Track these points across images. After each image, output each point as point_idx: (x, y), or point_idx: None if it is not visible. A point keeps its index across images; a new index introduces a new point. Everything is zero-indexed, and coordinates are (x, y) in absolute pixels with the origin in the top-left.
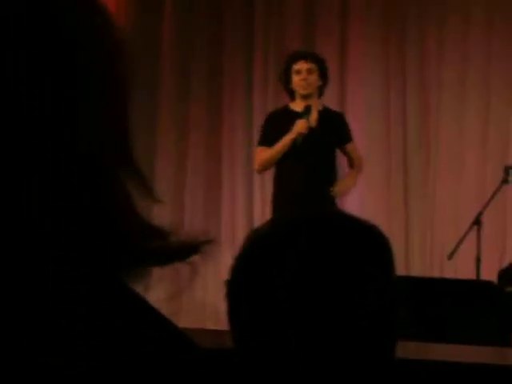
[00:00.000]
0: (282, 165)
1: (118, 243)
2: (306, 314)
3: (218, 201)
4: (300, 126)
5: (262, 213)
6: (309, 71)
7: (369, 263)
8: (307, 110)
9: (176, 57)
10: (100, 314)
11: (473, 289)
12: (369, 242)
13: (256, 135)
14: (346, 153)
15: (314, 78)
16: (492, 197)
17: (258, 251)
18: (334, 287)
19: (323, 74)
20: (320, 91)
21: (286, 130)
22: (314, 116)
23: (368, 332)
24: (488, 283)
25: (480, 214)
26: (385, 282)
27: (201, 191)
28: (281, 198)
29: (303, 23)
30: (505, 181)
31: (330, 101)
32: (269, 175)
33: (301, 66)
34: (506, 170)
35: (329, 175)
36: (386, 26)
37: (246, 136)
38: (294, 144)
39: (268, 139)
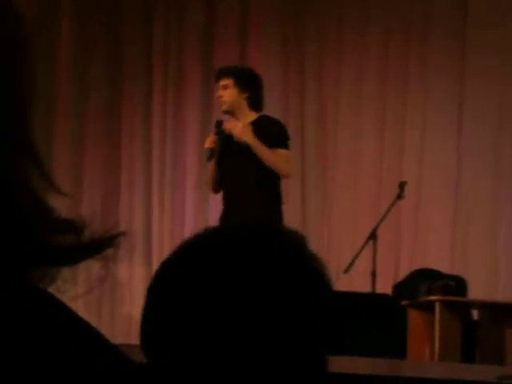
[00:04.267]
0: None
1: (28, 242)
2: (227, 328)
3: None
4: (207, 142)
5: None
6: (223, 87)
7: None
8: (216, 125)
9: (74, 74)
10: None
11: (369, 302)
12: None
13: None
14: None
15: (228, 93)
16: (387, 212)
17: (183, 259)
18: (258, 304)
19: (245, 85)
20: (251, 102)
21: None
22: (237, 126)
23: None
24: (384, 296)
25: (375, 228)
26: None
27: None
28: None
29: (202, 38)
30: (399, 196)
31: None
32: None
33: (218, 84)
34: (401, 185)
35: (257, 185)
36: (284, 40)
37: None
38: (220, 159)
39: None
